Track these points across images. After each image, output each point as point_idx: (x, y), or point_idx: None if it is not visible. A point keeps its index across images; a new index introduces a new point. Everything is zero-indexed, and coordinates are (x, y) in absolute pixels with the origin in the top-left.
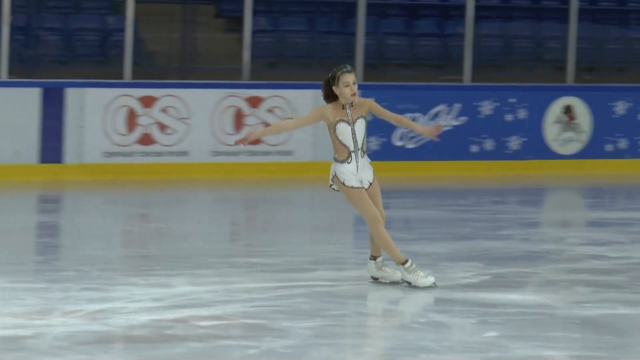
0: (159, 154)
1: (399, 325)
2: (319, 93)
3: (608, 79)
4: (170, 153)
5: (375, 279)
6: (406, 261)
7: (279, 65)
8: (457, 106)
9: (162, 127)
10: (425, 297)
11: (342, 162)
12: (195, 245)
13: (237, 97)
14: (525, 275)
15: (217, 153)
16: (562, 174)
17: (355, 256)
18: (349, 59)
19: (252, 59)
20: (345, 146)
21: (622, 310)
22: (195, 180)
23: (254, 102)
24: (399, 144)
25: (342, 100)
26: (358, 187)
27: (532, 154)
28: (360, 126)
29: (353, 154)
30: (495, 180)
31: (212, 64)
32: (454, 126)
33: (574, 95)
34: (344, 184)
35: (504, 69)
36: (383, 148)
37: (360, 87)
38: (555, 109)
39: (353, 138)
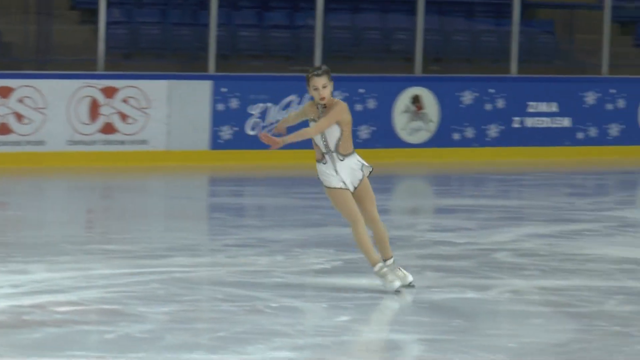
0: (16, 143)
1: (253, 310)
2: (172, 83)
3: (455, 69)
4: (27, 142)
5: None
6: (377, 264)
7: (133, 56)
8: (307, 97)
9: (19, 117)
10: (278, 282)
11: (319, 162)
12: (52, 232)
13: (92, 88)
14: None
15: (73, 142)
16: (411, 162)
17: (210, 243)
18: (202, 50)
19: (106, 50)
20: (317, 146)
21: (470, 295)
22: (52, 169)
23: (109, 92)
24: (251, 133)
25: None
26: (338, 188)
27: (382, 143)
28: (332, 128)
29: (327, 156)
30: None
31: (67, 55)
32: None
33: (421, 85)
34: (323, 184)
35: (353, 60)
36: (235, 137)
37: (212, 77)
38: (403, 99)
39: (322, 139)
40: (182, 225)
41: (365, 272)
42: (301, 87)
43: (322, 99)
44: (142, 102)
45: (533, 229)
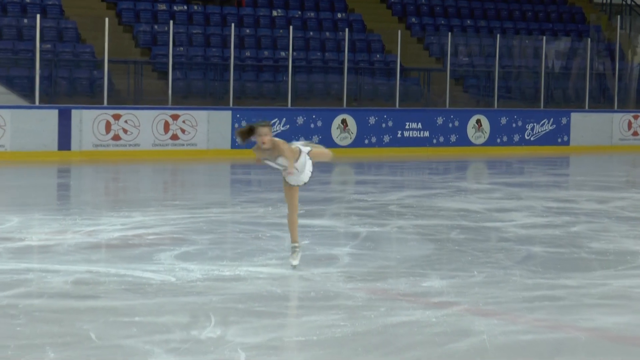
0: None
1: (256, 237)
2: None
3: (365, 105)
4: None
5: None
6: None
7: None
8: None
9: None
10: (269, 222)
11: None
12: (144, 195)
13: None
14: None
15: None
16: (342, 156)
17: (231, 200)
18: None
19: None
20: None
21: (375, 229)
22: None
23: None
24: None
25: None
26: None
27: (324, 146)
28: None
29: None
30: None
31: None
32: None
33: (347, 113)
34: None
35: (309, 100)
36: None
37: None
38: (337, 120)
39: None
40: (214, 190)
41: (318, 216)
42: None
43: (264, 143)
44: None
45: (409, 192)
